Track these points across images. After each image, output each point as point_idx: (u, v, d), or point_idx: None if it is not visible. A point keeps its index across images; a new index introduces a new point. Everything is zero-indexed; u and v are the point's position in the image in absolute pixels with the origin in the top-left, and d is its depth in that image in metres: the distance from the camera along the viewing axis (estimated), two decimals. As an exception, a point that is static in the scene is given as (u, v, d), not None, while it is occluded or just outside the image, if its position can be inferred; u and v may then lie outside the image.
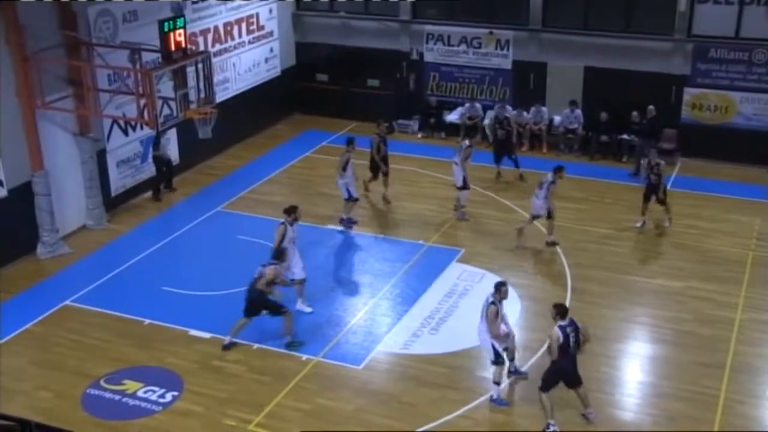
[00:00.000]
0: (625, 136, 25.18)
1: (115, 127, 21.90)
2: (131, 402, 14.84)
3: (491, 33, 26.94)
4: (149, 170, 23.17)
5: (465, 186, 21.58)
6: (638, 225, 21.01)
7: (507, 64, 27.01)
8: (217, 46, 25.19)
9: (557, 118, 26.33)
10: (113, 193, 22.11)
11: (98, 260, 19.88)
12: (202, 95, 19.67)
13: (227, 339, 16.33)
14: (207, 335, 16.73)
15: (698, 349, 16.23)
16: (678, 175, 24.12)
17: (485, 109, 27.11)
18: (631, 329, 17.17)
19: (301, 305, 17.45)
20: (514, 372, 15.33)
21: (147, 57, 19.77)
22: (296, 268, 17.20)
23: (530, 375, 15.19)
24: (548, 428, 13.84)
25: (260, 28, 27.26)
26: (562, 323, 13.61)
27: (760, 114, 24.55)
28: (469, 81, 27.68)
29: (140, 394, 15.03)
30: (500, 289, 14.69)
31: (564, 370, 13.75)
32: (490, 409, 14.60)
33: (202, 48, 23.32)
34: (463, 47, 27.35)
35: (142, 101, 19.05)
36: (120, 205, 22.31)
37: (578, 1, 26.10)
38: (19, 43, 18.53)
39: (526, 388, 14.97)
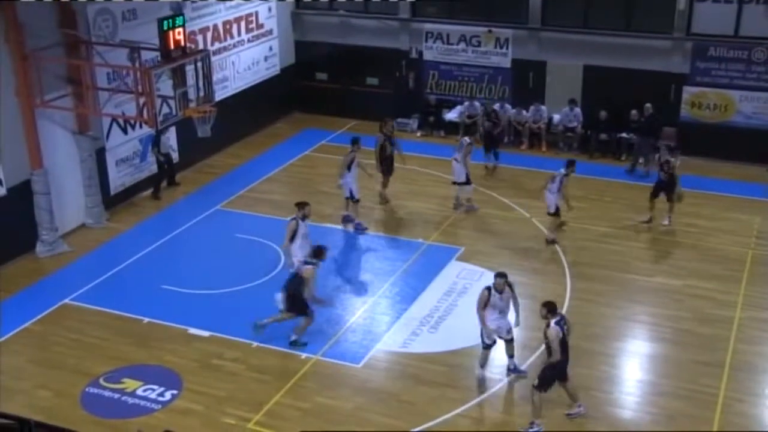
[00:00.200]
0: (624, 135, 25.19)
1: (115, 125, 21.89)
2: (130, 400, 14.84)
3: (490, 31, 26.93)
4: (148, 169, 23.17)
5: (468, 182, 21.66)
6: (644, 220, 21.00)
7: (506, 63, 27.00)
8: (217, 45, 25.17)
9: (556, 117, 26.33)
10: (112, 192, 22.11)
11: (97, 259, 19.88)
12: (202, 94, 19.66)
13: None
14: (206, 333, 16.73)
15: (697, 347, 16.23)
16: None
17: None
18: (631, 328, 17.17)
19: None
20: (513, 370, 15.34)
21: (146, 55, 19.72)
22: (296, 265, 17.13)
23: (529, 374, 15.18)
24: (532, 427, 13.80)
25: (259, 26, 27.25)
26: (556, 319, 13.61)
27: (759, 112, 24.55)
28: (468, 79, 27.67)
29: (139, 392, 15.03)
30: (496, 280, 14.86)
31: (563, 366, 13.75)
32: (490, 408, 14.62)
33: (201, 46, 23.28)
34: (462, 46, 27.35)
35: (142, 100, 19.05)
36: (119, 204, 22.30)
37: (577, -1, 26.19)
38: (19, 41, 18.52)
39: (526, 387, 14.96)
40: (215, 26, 25.19)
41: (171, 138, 23.52)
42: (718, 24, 24.57)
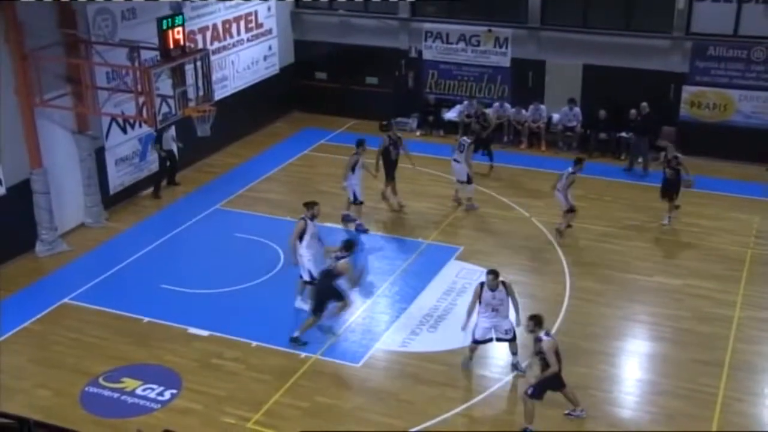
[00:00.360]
0: (623, 134, 25.18)
1: (114, 125, 21.88)
2: (130, 400, 14.84)
3: (490, 31, 26.93)
4: (148, 168, 23.18)
5: (470, 181, 21.69)
6: (665, 222, 21.00)
7: (506, 62, 27.00)
8: (216, 44, 25.17)
9: (556, 116, 26.34)
10: (112, 191, 22.11)
11: (97, 258, 19.88)
12: (201, 93, 19.66)
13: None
14: (205, 333, 16.73)
15: (697, 346, 16.24)
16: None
17: (484, 107, 27.07)
18: (630, 327, 17.17)
19: (300, 303, 17.44)
20: (514, 366, 15.34)
21: (146, 55, 19.73)
22: (305, 265, 17.10)
23: (527, 374, 15.20)
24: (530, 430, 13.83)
25: (259, 26, 27.24)
26: (545, 331, 13.61)
27: (758, 112, 24.55)
28: (467, 79, 27.67)
29: (139, 392, 15.03)
30: (487, 277, 14.99)
31: (559, 375, 13.72)
32: (489, 408, 14.63)
33: (200, 46, 23.25)
34: (461, 45, 27.35)
35: (141, 99, 19.04)
36: (119, 203, 22.30)
37: (577, -2, 26.20)
38: (18, 41, 18.51)
39: (524, 386, 14.96)
40: (215, 26, 25.19)
41: (172, 132, 23.27)
42: (717, 23, 24.59)
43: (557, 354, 13.54)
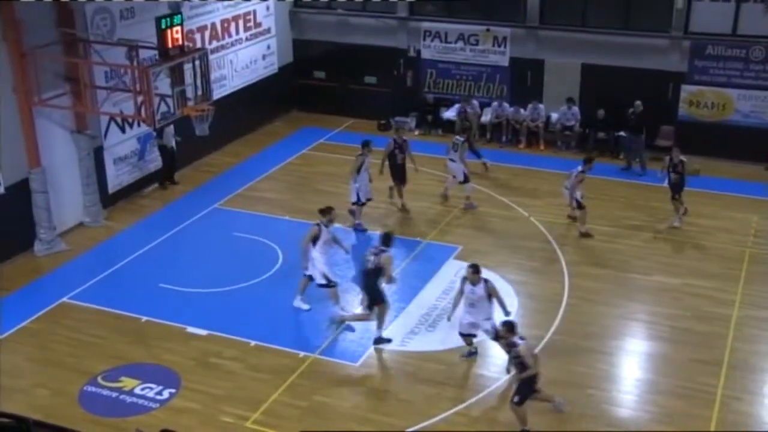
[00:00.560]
0: (622, 133, 25.17)
1: (113, 124, 21.87)
2: (128, 399, 14.84)
3: (488, 30, 26.93)
4: (146, 168, 23.18)
5: (466, 180, 21.71)
6: (676, 224, 20.99)
7: (504, 61, 27.00)
8: (215, 43, 25.16)
9: (554, 115, 26.35)
10: (110, 191, 22.10)
11: (95, 257, 19.88)
12: (200, 92, 19.66)
13: (377, 333, 16.35)
14: (204, 332, 16.73)
15: (695, 346, 16.24)
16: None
17: (482, 106, 27.12)
18: (628, 326, 17.18)
19: (299, 302, 17.45)
20: (508, 370, 15.30)
21: (144, 54, 19.75)
22: (319, 268, 17.02)
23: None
24: None
25: (257, 25, 27.23)
26: (518, 336, 13.54)
27: (757, 111, 24.57)
28: (466, 78, 27.67)
29: (137, 391, 15.03)
30: (467, 271, 15.18)
31: (536, 378, 13.65)
32: (487, 407, 14.63)
33: (199, 45, 23.27)
34: (460, 44, 27.34)
35: (140, 98, 19.04)
36: (117, 202, 22.29)
37: (575, -2, 26.21)
38: (17, 39, 18.50)
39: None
40: (213, 25, 25.18)
41: (172, 128, 23.18)
42: (716, 23, 24.60)
43: (534, 356, 13.56)
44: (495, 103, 26.88)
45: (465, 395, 14.88)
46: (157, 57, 19.12)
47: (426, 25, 27.66)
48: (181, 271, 19.17)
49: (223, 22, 25.56)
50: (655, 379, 15.43)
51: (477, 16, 27.27)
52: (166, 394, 14.95)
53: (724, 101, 24.86)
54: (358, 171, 20.51)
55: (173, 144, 23.33)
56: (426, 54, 27.88)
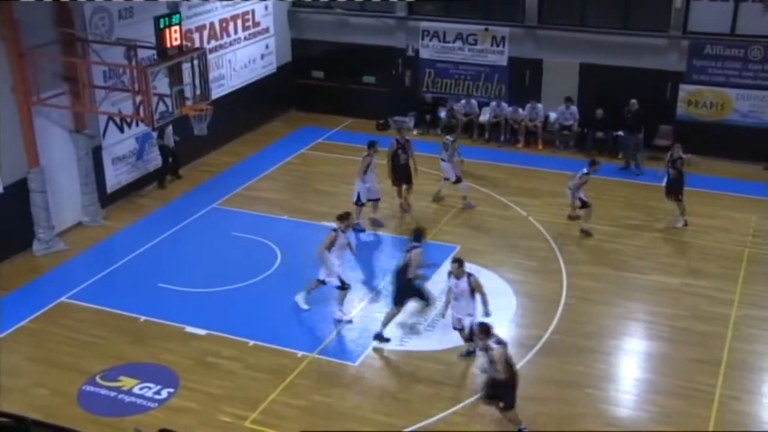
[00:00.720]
0: (620, 133, 25.18)
1: (111, 124, 21.87)
2: (127, 399, 14.84)
3: (487, 30, 26.93)
4: (145, 167, 23.18)
5: (459, 179, 21.72)
6: (680, 224, 20.98)
7: (503, 61, 27.00)
8: (213, 43, 25.16)
9: (553, 115, 26.36)
10: (109, 190, 22.09)
11: (94, 257, 19.88)
12: (198, 92, 19.65)
13: (380, 329, 16.37)
14: (203, 332, 16.73)
15: (694, 345, 16.25)
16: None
17: (481, 106, 27.13)
18: (627, 326, 17.18)
19: (300, 299, 17.45)
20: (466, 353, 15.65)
21: (143, 54, 19.75)
22: (336, 271, 16.99)
23: (523, 372, 15.19)
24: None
25: (256, 24, 27.22)
26: (494, 339, 13.41)
27: (755, 111, 24.59)
28: (464, 78, 27.67)
29: (136, 390, 15.03)
30: (451, 265, 15.33)
31: (507, 383, 13.52)
32: (485, 406, 14.63)
33: (197, 45, 23.28)
34: (458, 44, 27.35)
35: (138, 98, 19.03)
36: (116, 202, 22.28)
37: (574, -3, 26.21)
38: (15, 39, 18.49)
39: (521, 385, 14.98)
40: (212, 24, 25.18)
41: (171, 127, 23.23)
42: (714, 22, 24.61)
43: (508, 362, 13.40)
44: (493, 103, 26.89)
45: (463, 395, 14.89)
46: (155, 57, 19.11)
47: (424, 24, 27.66)
48: (179, 270, 19.16)
49: (221, 21, 25.55)
50: (654, 378, 15.44)
51: (475, 15, 27.27)
52: (164, 393, 14.95)
53: (722, 101, 24.87)
54: (365, 172, 20.45)
55: (173, 143, 23.33)
56: (424, 54, 27.89)
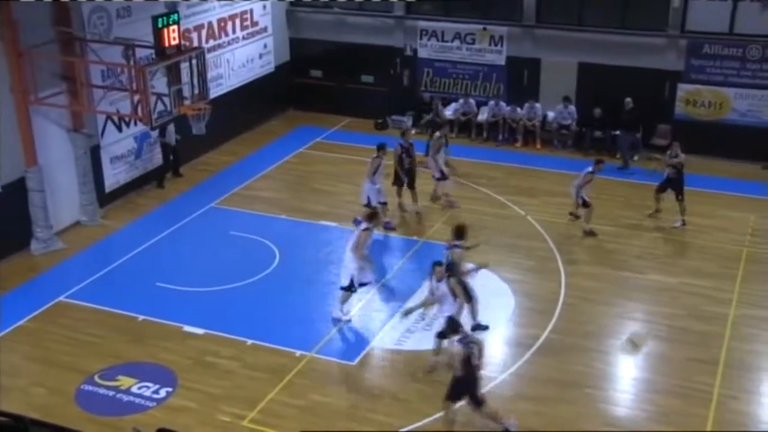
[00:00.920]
0: (618, 132, 25.18)
1: (109, 123, 21.85)
2: (125, 398, 14.83)
3: (485, 29, 26.93)
4: (143, 166, 23.16)
5: (443, 177, 21.66)
6: (651, 212, 21.24)
7: (501, 60, 26.99)
8: (211, 42, 25.14)
9: (551, 114, 26.36)
10: (107, 189, 22.07)
11: (92, 256, 19.87)
12: (196, 91, 19.64)
13: (472, 321, 16.33)
14: (201, 331, 16.72)
15: (692, 345, 16.25)
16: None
17: (479, 105, 27.14)
18: (625, 325, 17.15)
19: (339, 312, 17.17)
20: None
21: (141, 53, 19.74)
22: (354, 273, 16.91)
23: (522, 371, 15.18)
24: (510, 428, 13.68)
25: (254, 24, 27.21)
26: (459, 338, 13.34)
27: (754, 110, 24.59)
28: (462, 77, 27.66)
29: (134, 389, 15.02)
30: (433, 267, 15.31)
31: (465, 383, 13.43)
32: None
33: (196, 44, 23.27)
34: (456, 43, 27.35)
35: (136, 97, 19.02)
36: (114, 201, 22.26)
37: (572, -3, 26.21)
38: (13, 38, 18.47)
39: (521, 385, 15.01)
40: (210, 24, 25.16)
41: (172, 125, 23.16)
42: (712, 21, 24.61)
43: (466, 362, 13.16)
44: (492, 102, 26.89)
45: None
46: (153, 56, 19.11)
47: (423, 24, 27.65)
48: (178, 270, 19.16)
49: (219, 21, 25.54)
50: (652, 378, 15.44)
51: (474, 15, 27.25)
52: (162, 392, 14.94)
53: (720, 100, 24.88)
54: (375, 173, 20.36)
55: (174, 141, 23.33)
56: (423, 53, 27.88)
